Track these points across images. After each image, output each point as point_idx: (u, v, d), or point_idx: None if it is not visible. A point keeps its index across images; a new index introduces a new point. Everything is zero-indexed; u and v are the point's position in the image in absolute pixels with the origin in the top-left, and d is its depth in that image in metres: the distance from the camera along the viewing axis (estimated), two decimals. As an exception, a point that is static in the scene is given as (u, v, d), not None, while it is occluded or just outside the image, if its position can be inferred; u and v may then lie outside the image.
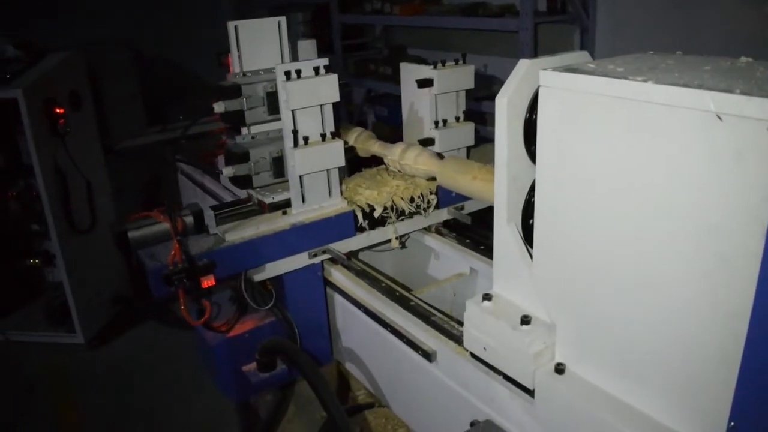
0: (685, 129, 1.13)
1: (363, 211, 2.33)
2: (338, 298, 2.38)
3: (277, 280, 2.30)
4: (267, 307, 2.31)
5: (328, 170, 2.28)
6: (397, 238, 2.45)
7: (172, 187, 3.82)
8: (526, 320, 1.54)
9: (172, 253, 1.94)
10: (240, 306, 2.34)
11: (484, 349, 1.65)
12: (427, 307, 2.08)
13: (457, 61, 2.51)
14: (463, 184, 2.23)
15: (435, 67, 2.42)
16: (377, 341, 2.17)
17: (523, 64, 1.51)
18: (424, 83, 2.40)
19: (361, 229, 2.34)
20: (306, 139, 2.19)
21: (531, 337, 1.51)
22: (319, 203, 2.30)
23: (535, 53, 4.46)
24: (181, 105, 6.56)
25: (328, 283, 2.41)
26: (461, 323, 1.76)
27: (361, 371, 2.39)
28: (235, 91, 2.29)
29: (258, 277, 2.22)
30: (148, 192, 5.18)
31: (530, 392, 1.55)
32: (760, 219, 1.04)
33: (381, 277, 2.33)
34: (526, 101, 1.54)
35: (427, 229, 2.64)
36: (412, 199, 2.42)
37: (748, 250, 1.07)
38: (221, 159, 2.98)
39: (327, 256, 2.32)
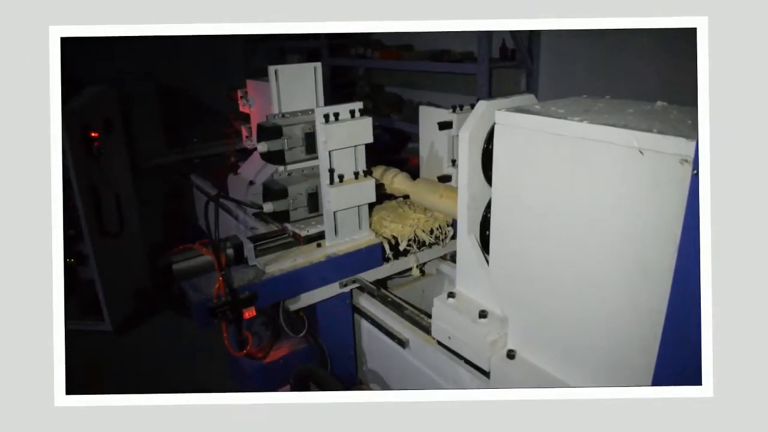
0: (613, 161, 1.14)
1: (389, 242, 2.16)
2: (365, 324, 2.19)
3: (310, 308, 2.12)
4: (301, 334, 2.13)
5: (359, 206, 2.11)
6: (417, 266, 2.31)
7: (188, 198, 3.78)
8: (483, 314, 1.55)
9: (217, 286, 1.76)
10: (274, 332, 2.18)
11: (449, 338, 1.65)
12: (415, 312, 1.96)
13: (472, 106, 2.20)
14: (432, 201, 2.24)
15: (454, 111, 2.28)
16: (398, 361, 2.02)
17: (481, 105, 1.52)
18: (445, 125, 2.26)
19: (387, 260, 2.18)
20: (341, 177, 2.03)
21: (488, 328, 1.52)
22: (350, 236, 2.12)
23: (490, 92, 4.51)
24: (196, 130, 6.50)
25: (355, 309, 2.22)
26: (430, 315, 1.76)
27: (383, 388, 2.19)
28: (275, 132, 2.09)
29: (293, 306, 2.05)
30: (169, 203, 5.12)
31: (486, 374, 1.56)
32: (673, 235, 1.06)
33: (406, 305, 2.04)
34: (483, 134, 1.55)
35: (443, 257, 2.44)
36: (431, 231, 2.24)
37: (664, 260, 1.09)
38: (231, 177, 2.96)
39: (356, 285, 2.15)
